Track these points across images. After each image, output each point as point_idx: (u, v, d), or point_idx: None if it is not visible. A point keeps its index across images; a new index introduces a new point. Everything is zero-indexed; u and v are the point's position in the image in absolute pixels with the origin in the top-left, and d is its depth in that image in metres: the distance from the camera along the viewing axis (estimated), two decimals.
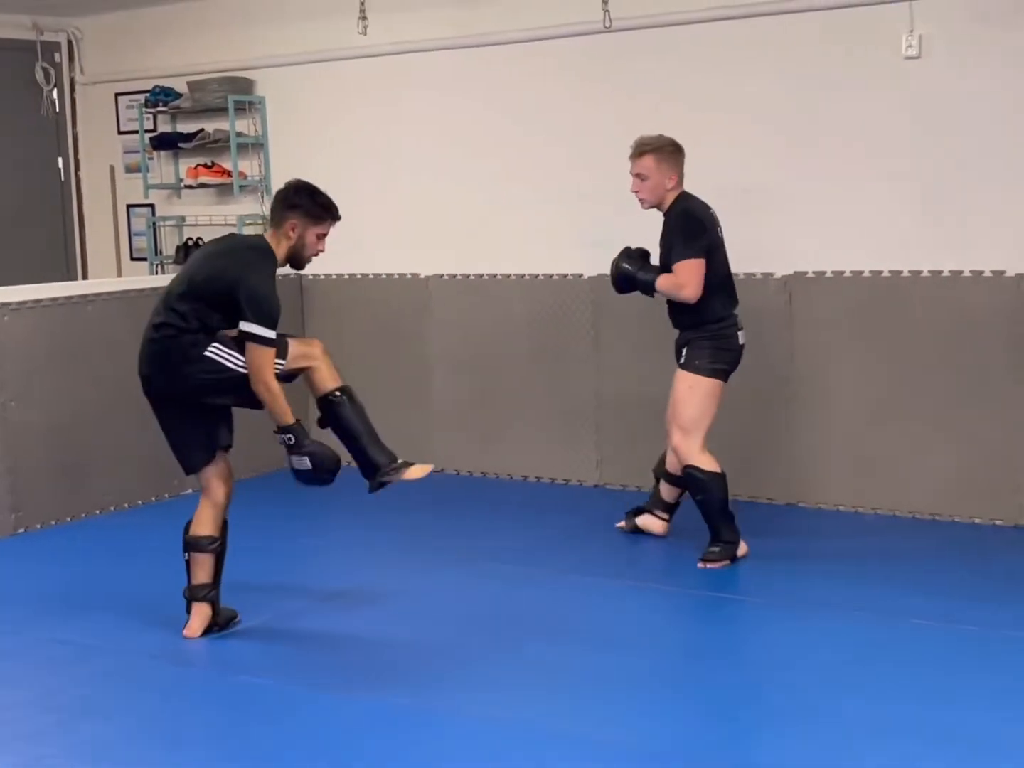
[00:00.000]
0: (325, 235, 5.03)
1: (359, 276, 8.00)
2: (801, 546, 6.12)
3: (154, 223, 8.96)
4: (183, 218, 8.81)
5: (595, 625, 5.17)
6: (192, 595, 5.10)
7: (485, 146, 7.59)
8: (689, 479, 5.81)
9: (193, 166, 8.59)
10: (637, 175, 5.77)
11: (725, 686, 4.51)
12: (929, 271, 6.33)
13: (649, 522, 6.20)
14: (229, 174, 8.40)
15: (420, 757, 4.01)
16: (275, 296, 4.88)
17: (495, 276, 7.56)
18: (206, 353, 4.87)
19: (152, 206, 9.02)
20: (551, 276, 7.36)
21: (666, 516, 6.19)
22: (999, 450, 6.26)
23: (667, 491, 6.15)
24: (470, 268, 7.64)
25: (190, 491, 7.43)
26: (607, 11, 6.71)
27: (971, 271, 6.26)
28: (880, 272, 6.45)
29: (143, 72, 8.82)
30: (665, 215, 5.80)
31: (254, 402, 4.92)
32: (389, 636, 5.10)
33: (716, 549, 5.80)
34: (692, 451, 5.75)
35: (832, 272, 6.57)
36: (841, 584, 5.50)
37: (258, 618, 5.27)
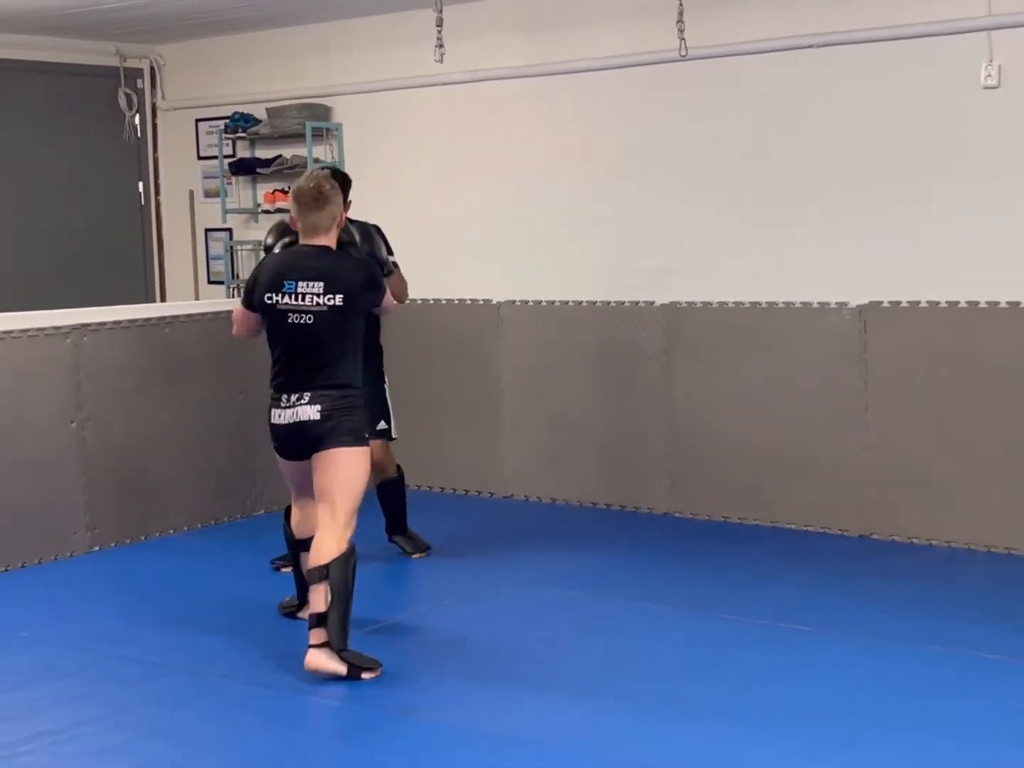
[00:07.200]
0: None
1: (431, 301, 8.00)
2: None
3: (231, 247, 9.07)
4: (260, 242, 8.90)
5: None
6: None
7: (556, 173, 7.60)
8: None
9: (271, 191, 8.69)
10: None
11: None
12: (1007, 302, 6.25)
13: None
14: None
15: None
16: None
17: (566, 303, 7.55)
18: None
19: (230, 230, 9.14)
20: (623, 303, 7.34)
21: None
22: None
23: None
24: (540, 295, 7.64)
25: (263, 512, 7.50)
26: (683, 39, 6.68)
27: None
28: (957, 303, 6.37)
29: (223, 98, 8.97)
30: None
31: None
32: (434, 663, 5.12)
33: None
34: None
35: (908, 303, 6.51)
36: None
37: None
